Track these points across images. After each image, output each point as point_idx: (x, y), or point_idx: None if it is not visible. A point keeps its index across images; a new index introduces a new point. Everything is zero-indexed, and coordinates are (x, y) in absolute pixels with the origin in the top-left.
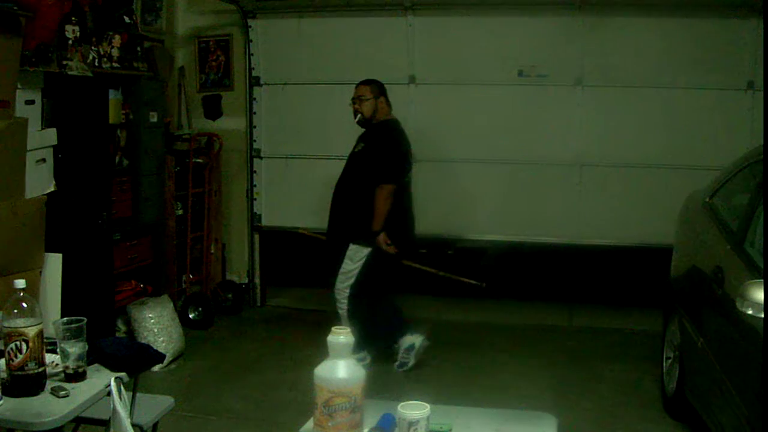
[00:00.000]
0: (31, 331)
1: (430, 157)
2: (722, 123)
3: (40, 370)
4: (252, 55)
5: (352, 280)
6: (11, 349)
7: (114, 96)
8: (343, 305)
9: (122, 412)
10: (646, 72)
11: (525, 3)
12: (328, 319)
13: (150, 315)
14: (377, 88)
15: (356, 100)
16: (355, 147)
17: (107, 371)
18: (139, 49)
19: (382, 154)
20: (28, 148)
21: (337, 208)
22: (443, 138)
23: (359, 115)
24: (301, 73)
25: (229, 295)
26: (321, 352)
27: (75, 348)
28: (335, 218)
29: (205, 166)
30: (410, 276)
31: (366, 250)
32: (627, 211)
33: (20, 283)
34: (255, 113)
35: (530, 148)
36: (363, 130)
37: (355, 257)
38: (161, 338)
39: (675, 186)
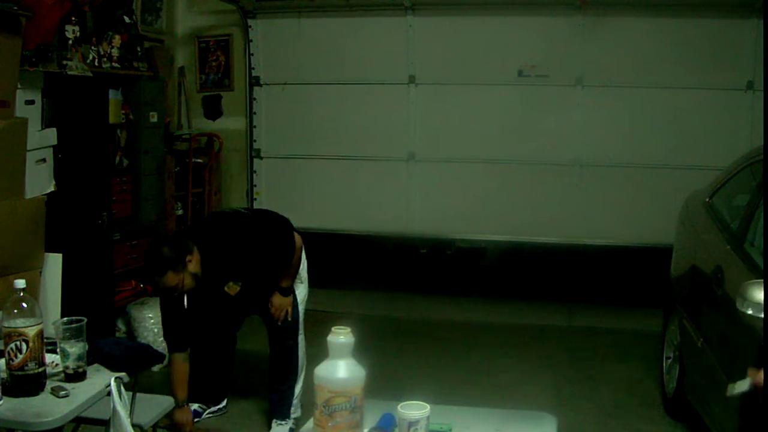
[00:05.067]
0: (31, 331)
1: (430, 157)
2: (722, 123)
3: (40, 370)
4: (252, 55)
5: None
6: (11, 349)
7: (114, 96)
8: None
9: (122, 412)
10: (646, 72)
11: (525, 3)
12: (327, 319)
13: (150, 315)
14: (175, 258)
15: (167, 289)
16: (224, 286)
17: (107, 371)
18: (139, 49)
19: (267, 250)
20: (28, 148)
21: (255, 307)
22: (443, 138)
23: (182, 288)
24: (301, 73)
25: None
26: (321, 351)
27: (75, 348)
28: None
29: (205, 166)
30: (410, 276)
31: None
32: (627, 211)
33: (20, 283)
34: (255, 113)
35: (530, 148)
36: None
37: (303, 292)
38: (161, 338)
39: (675, 186)
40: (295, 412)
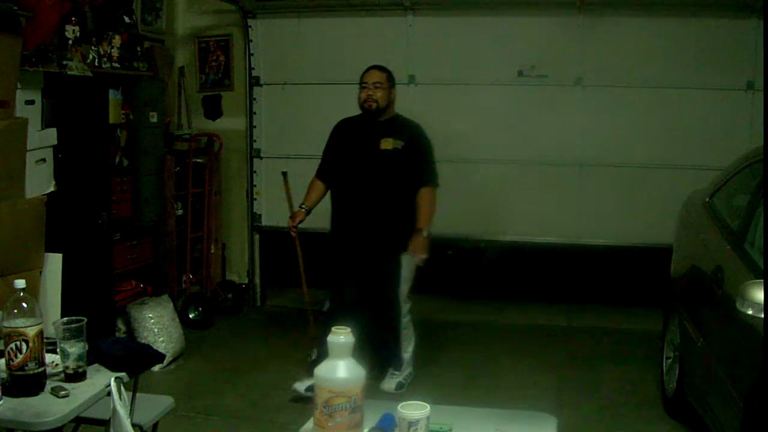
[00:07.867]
0: (31, 331)
1: None
2: (722, 123)
3: (40, 370)
4: (252, 55)
5: (410, 284)
6: (11, 349)
7: (114, 96)
8: (403, 319)
9: (122, 412)
10: (646, 72)
11: (525, 3)
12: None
13: (150, 315)
14: (392, 77)
15: (369, 86)
16: (378, 143)
17: (107, 371)
18: (139, 49)
19: (430, 154)
20: (28, 148)
21: (377, 215)
22: (443, 138)
23: (374, 104)
24: (301, 73)
25: (229, 295)
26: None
27: (75, 348)
28: (377, 226)
29: (205, 166)
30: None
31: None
32: (627, 211)
33: (20, 283)
34: (255, 113)
35: (530, 148)
36: (368, 124)
37: (411, 264)
38: (161, 338)
39: (675, 186)
40: (407, 368)
